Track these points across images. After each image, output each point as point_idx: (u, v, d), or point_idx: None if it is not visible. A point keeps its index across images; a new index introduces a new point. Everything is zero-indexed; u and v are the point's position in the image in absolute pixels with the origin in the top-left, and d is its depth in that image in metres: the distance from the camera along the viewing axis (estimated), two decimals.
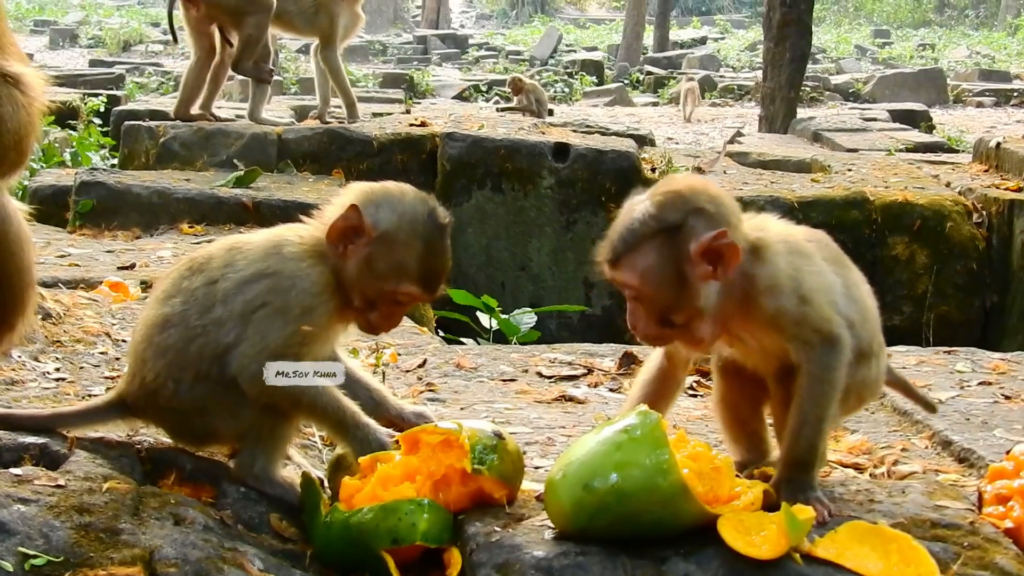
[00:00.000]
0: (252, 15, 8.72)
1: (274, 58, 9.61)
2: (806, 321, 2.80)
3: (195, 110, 9.26)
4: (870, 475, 3.28)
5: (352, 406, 2.98)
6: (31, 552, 2.62)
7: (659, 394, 3.07)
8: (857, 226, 8.17)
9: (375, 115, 10.57)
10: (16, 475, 2.92)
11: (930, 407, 3.35)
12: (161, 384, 3.00)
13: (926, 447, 3.54)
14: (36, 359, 3.63)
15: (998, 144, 9.48)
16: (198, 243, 6.38)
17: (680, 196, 2.75)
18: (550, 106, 20.14)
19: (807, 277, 2.85)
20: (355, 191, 3.02)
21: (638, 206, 2.76)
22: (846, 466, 3.26)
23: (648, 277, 2.74)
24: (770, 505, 2.74)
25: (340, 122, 9.22)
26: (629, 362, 4.32)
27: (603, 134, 9.97)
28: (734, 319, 2.83)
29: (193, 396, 2.97)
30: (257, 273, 2.95)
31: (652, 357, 3.10)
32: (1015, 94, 27.60)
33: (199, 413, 3.01)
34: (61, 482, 2.90)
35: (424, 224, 2.99)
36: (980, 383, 4.13)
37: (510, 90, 15.67)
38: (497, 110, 14.66)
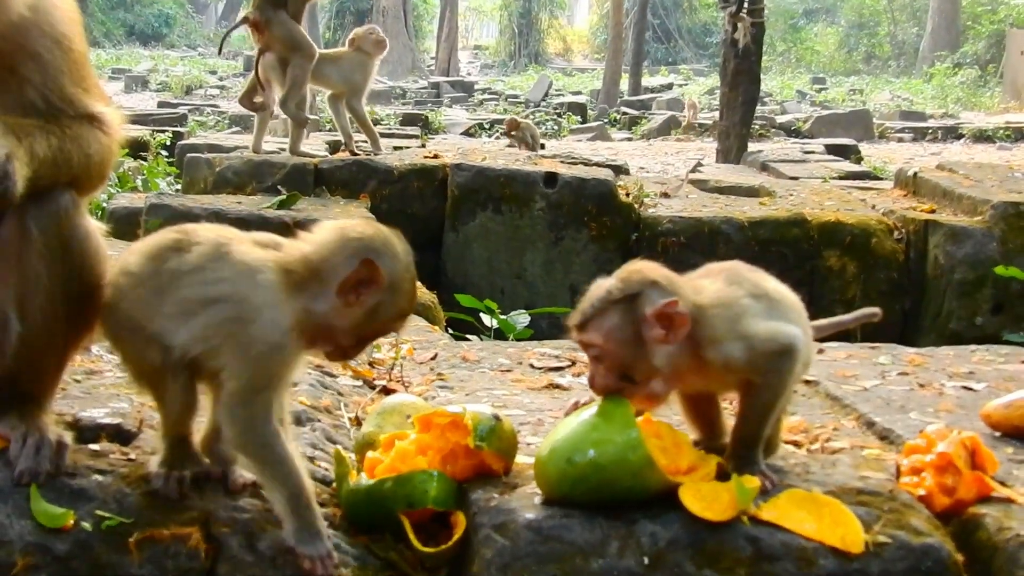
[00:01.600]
0: (298, 57, 8.76)
1: (311, 103, 9.67)
2: (755, 353, 2.79)
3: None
4: (806, 450, 3.28)
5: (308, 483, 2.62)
6: (106, 515, 2.64)
7: None
8: (797, 242, 8.18)
9: (396, 148, 10.56)
10: (94, 450, 2.93)
11: (873, 315, 3.47)
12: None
13: (853, 427, 3.54)
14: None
15: (915, 173, 9.49)
16: None
17: (639, 272, 2.78)
18: (542, 141, 20.16)
19: (743, 320, 2.81)
20: (352, 239, 2.64)
21: (605, 283, 2.78)
22: (786, 443, 3.25)
23: (610, 336, 2.73)
24: (722, 475, 2.75)
25: (367, 154, 9.22)
26: None
27: (586, 165, 9.98)
28: (689, 374, 2.83)
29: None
30: (225, 295, 2.58)
31: None
32: (929, 131, 27.62)
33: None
34: (132, 456, 2.91)
35: (412, 267, 2.70)
36: (899, 373, 4.13)
37: (506, 128, 15.57)
38: (508, 145, 14.63)
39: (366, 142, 9.67)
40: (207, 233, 2.73)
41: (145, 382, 2.74)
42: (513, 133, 15.47)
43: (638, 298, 2.73)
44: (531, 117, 27.75)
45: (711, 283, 2.89)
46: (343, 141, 9.59)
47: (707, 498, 2.65)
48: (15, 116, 2.77)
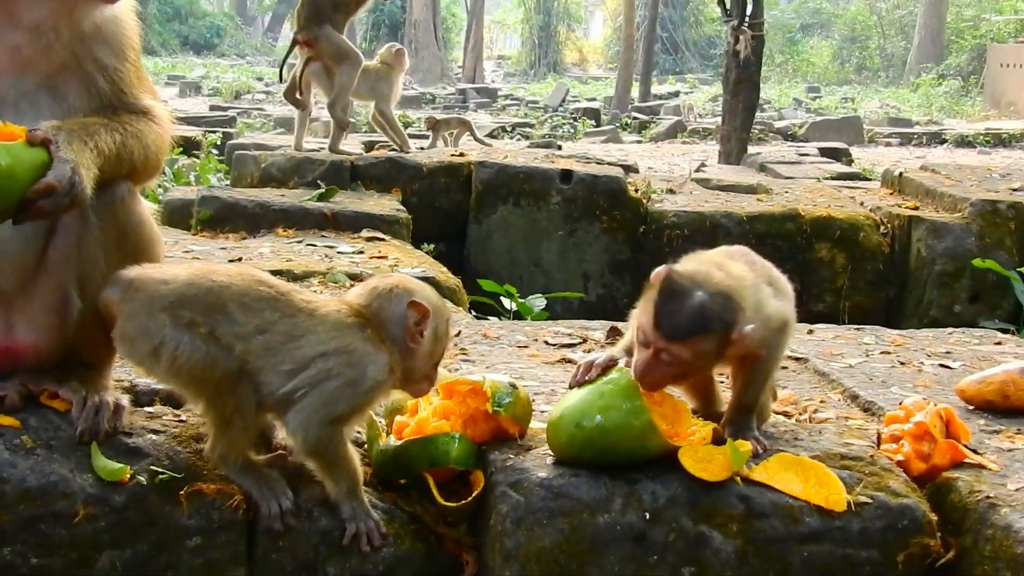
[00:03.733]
0: (346, 65, 8.75)
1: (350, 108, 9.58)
2: (767, 331, 2.81)
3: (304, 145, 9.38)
4: (795, 420, 3.28)
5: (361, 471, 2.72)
6: (159, 470, 2.67)
7: None
8: (791, 235, 8.14)
9: (423, 148, 10.55)
10: (149, 412, 2.96)
11: None
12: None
13: (839, 400, 3.54)
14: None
15: (900, 174, 9.43)
16: (290, 243, 6.40)
17: (732, 300, 2.70)
18: (559, 142, 19.97)
19: (764, 305, 2.83)
20: (392, 292, 2.73)
21: (696, 299, 2.67)
22: (777, 413, 3.26)
23: (700, 354, 2.71)
24: (717, 440, 2.76)
25: (396, 151, 9.20)
26: (615, 334, 4.30)
27: (599, 163, 9.95)
28: None
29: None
30: (338, 348, 2.63)
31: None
32: (915, 137, 27.43)
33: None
34: (183, 417, 2.94)
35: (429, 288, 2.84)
36: (882, 352, 4.12)
37: (427, 127, 13.82)
38: (430, 146, 12.40)
39: (387, 144, 9.63)
40: (299, 296, 2.72)
41: (229, 411, 2.63)
42: (433, 131, 13.76)
43: (731, 325, 2.69)
44: (549, 121, 27.68)
45: (735, 266, 2.89)
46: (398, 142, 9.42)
47: (703, 460, 2.67)
48: (82, 113, 2.80)
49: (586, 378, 2.91)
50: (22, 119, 2.70)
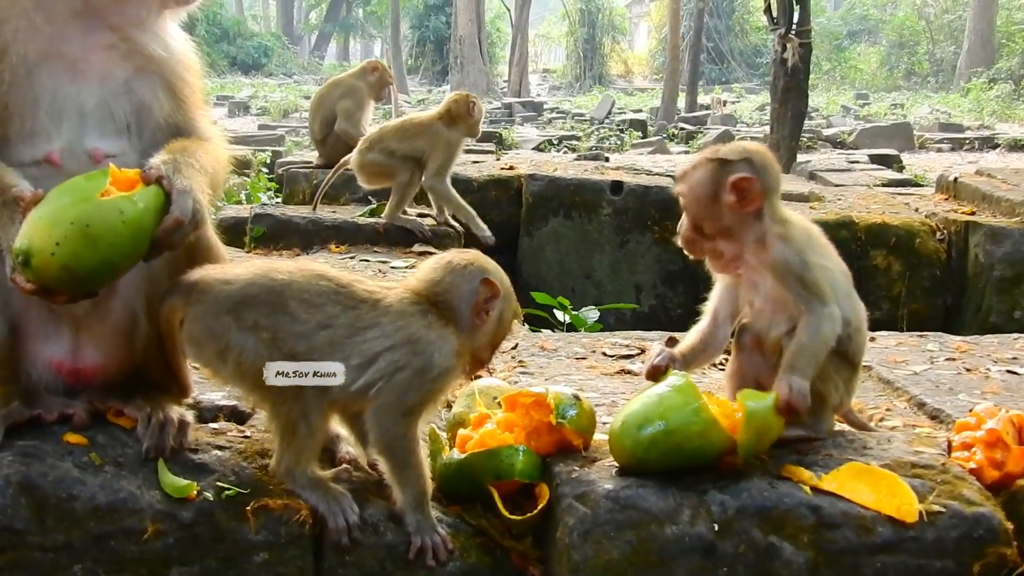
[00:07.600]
0: None
1: None
2: (804, 280, 2.86)
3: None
4: None
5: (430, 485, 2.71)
6: (226, 486, 2.68)
7: (704, 343, 3.13)
8: (845, 242, 8.04)
9: (474, 162, 10.54)
10: (214, 428, 2.98)
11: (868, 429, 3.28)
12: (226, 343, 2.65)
13: (905, 407, 3.49)
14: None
15: (955, 178, 9.31)
16: (343, 259, 6.43)
17: (744, 148, 2.95)
18: (606, 154, 19.89)
19: (813, 254, 2.93)
20: (466, 268, 2.75)
21: (715, 146, 3.00)
22: (842, 422, 3.21)
23: (694, 189, 2.94)
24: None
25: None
26: (672, 344, 4.27)
27: (648, 174, 9.92)
28: (750, 253, 2.94)
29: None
30: (405, 339, 2.65)
31: (701, 319, 3.15)
32: (966, 142, 27.06)
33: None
34: (247, 433, 2.95)
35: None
36: (947, 359, 4.06)
37: None
38: None
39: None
40: (361, 286, 2.74)
41: (296, 416, 2.64)
42: None
43: (729, 165, 2.90)
44: (595, 133, 27.61)
45: (832, 251, 3.05)
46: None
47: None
48: (158, 126, 2.86)
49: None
50: (104, 129, 2.77)
